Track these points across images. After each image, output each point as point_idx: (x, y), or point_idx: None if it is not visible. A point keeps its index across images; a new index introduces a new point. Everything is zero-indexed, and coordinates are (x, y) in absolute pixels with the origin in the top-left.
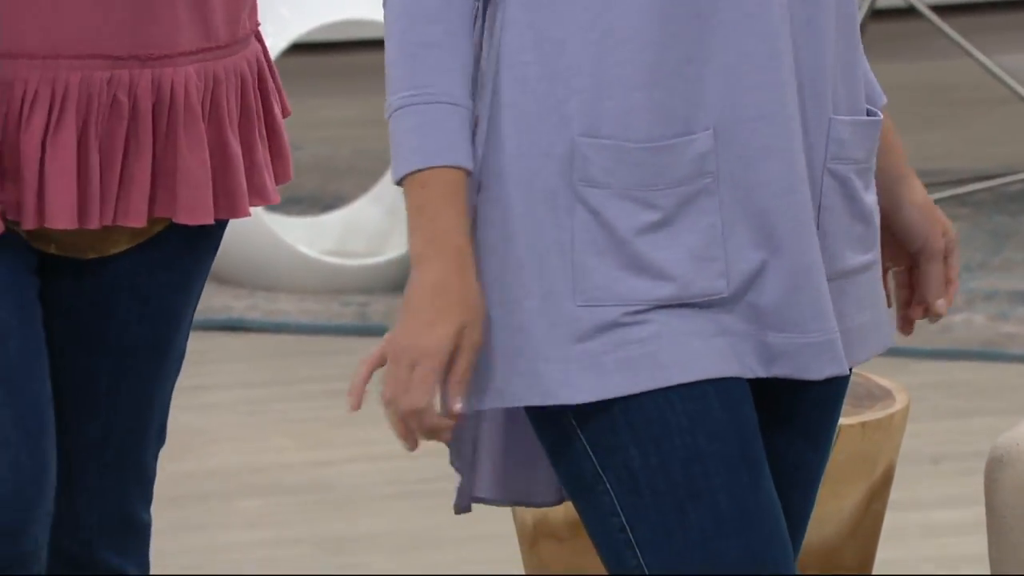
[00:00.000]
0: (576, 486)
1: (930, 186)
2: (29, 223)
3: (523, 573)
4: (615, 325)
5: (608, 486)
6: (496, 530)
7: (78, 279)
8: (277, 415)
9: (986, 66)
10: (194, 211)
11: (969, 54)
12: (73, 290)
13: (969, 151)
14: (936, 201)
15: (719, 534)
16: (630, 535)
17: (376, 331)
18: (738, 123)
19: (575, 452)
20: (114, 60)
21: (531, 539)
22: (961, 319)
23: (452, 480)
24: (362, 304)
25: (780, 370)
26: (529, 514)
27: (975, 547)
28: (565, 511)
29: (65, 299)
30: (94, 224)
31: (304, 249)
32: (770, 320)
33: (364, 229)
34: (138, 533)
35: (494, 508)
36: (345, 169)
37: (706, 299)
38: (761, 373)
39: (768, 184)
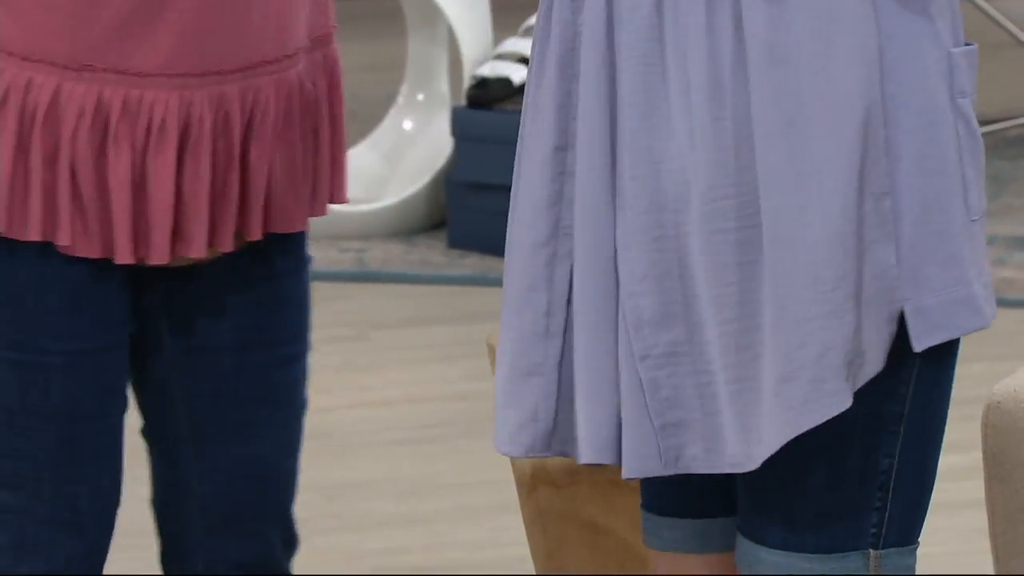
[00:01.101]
0: (866, 426)
1: None
2: (257, 233)
3: (521, 518)
4: (979, 242)
5: (903, 427)
6: (494, 476)
7: (226, 277)
8: None
9: (985, 11)
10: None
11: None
12: (230, 287)
13: None
14: None
15: (934, 479)
16: (893, 477)
17: (373, 277)
18: None
19: (895, 392)
20: (222, 75)
21: (529, 485)
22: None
23: (451, 426)
24: (360, 250)
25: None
26: (527, 461)
27: (972, 492)
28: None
29: (229, 297)
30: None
31: None
32: None
33: (362, 175)
34: (294, 545)
35: (492, 454)
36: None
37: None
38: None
39: None
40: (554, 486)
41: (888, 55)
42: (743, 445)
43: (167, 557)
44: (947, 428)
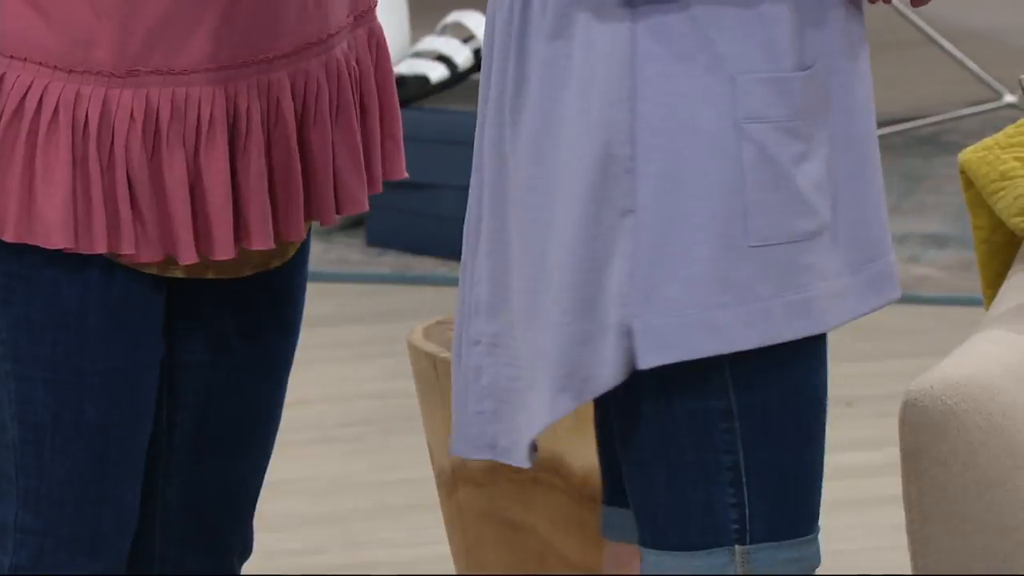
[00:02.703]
0: (689, 424)
1: None
2: (329, 218)
3: (440, 517)
4: (780, 264)
5: (736, 424)
6: (413, 475)
7: (238, 298)
8: None
9: (897, 8)
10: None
11: None
12: (241, 308)
13: (881, 94)
14: None
15: (818, 473)
16: (741, 473)
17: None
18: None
19: (710, 391)
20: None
21: (449, 484)
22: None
23: (369, 425)
24: None
25: (885, 298)
26: (448, 459)
27: (889, 488)
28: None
29: (234, 318)
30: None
31: None
32: (874, 248)
33: None
34: (245, 557)
35: (412, 453)
36: None
37: (821, 231)
38: (878, 305)
39: (857, 109)
40: (474, 484)
41: (643, 75)
42: (521, 444)
43: (129, 558)
44: (864, 425)
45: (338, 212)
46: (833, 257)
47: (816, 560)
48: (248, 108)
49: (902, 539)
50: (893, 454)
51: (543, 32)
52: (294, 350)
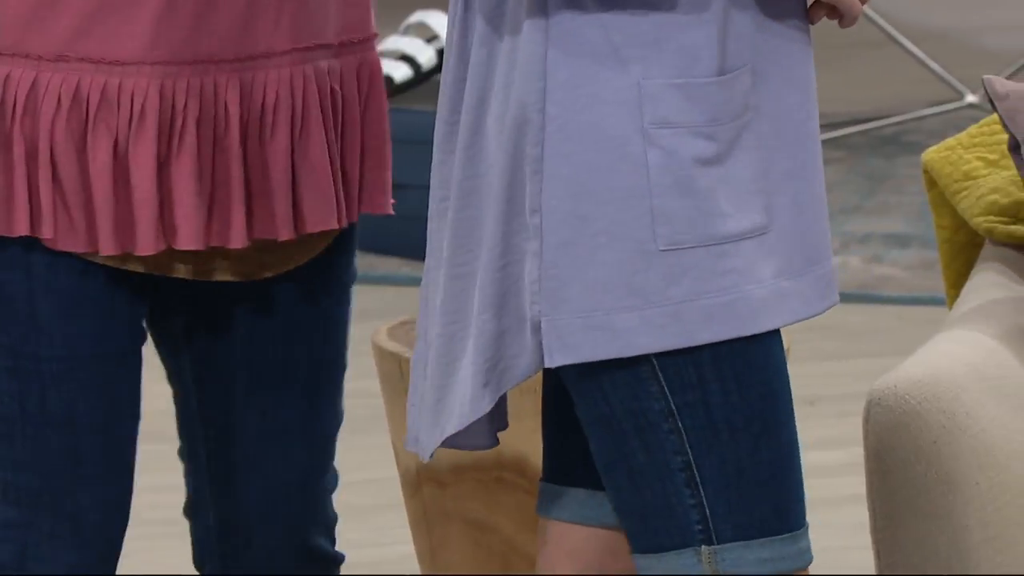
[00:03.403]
0: (633, 425)
1: None
2: (287, 233)
3: (404, 516)
4: (697, 268)
5: (680, 423)
6: (377, 475)
7: (250, 307)
8: (157, 362)
9: None
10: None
11: None
12: (249, 319)
13: (844, 94)
14: None
15: (787, 469)
16: (695, 472)
17: None
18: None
19: (645, 391)
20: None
21: (414, 484)
22: (836, 262)
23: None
24: None
25: (828, 302)
26: (413, 459)
27: (852, 488)
28: (449, 456)
29: (244, 331)
30: (343, 222)
31: None
32: (815, 252)
33: None
34: (332, 564)
35: (377, 453)
36: None
37: (759, 234)
38: (821, 309)
39: (794, 112)
40: (439, 484)
41: (554, 78)
42: (427, 436)
43: (195, 564)
44: (827, 424)
45: (300, 229)
46: (768, 260)
47: (799, 560)
48: (185, 107)
49: (865, 538)
50: (856, 453)
51: (477, 37)
52: (330, 356)
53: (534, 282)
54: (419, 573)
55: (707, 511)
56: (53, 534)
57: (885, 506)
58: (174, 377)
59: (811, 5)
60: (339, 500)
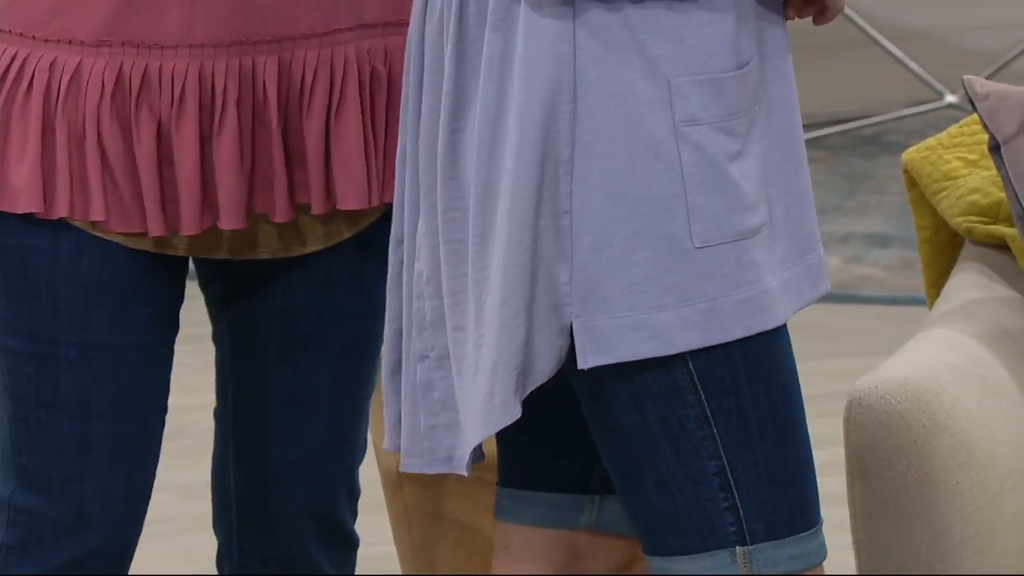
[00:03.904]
0: (666, 432)
1: None
2: (319, 207)
3: (385, 516)
4: (727, 263)
5: (715, 429)
6: (360, 475)
7: (290, 279)
8: None
9: None
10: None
11: None
12: (287, 291)
13: (823, 95)
14: None
15: (808, 466)
16: (729, 476)
17: None
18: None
19: (681, 398)
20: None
21: (395, 484)
22: (822, 251)
23: None
24: None
25: (818, 292)
26: (394, 459)
27: (833, 487)
28: None
29: (280, 302)
30: (375, 201)
31: None
32: (806, 242)
33: None
34: (348, 545)
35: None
36: None
37: (762, 226)
38: (813, 297)
39: (785, 104)
40: (420, 484)
41: (585, 77)
42: (465, 452)
43: (214, 529)
44: (807, 424)
45: (336, 204)
46: (773, 252)
47: (820, 554)
48: (225, 88)
49: (846, 537)
50: (837, 453)
51: (484, 28)
52: (367, 338)
53: (565, 283)
54: (400, 573)
55: (741, 513)
56: (57, 521)
57: (866, 505)
58: (216, 338)
59: None
60: None
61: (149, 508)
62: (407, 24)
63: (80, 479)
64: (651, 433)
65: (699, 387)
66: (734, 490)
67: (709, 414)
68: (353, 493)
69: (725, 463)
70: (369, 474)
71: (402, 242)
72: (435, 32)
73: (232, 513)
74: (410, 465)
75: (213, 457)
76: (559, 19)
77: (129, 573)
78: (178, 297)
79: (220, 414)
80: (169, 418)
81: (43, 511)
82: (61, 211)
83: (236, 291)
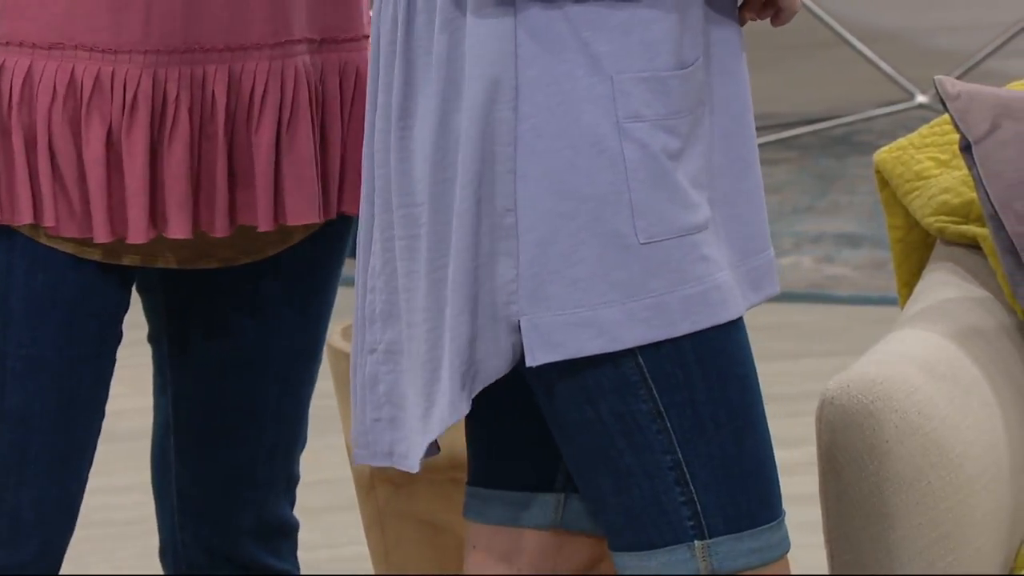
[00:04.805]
0: (620, 427)
1: (756, 130)
2: (266, 224)
3: (356, 517)
4: (673, 259)
5: (668, 423)
6: (333, 476)
7: (238, 287)
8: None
9: (810, 9)
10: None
11: None
12: (235, 299)
13: (794, 95)
14: (761, 145)
15: (767, 458)
16: (684, 470)
17: None
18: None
19: (632, 393)
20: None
21: (368, 484)
22: (788, 262)
23: None
24: None
25: (764, 294)
26: None
27: (805, 487)
28: None
29: (226, 311)
30: (324, 216)
31: None
32: (750, 244)
33: None
34: (290, 535)
35: (330, 454)
36: None
37: (707, 223)
38: (755, 301)
39: (734, 106)
40: (392, 485)
41: (525, 75)
42: (414, 442)
43: (160, 535)
44: (779, 424)
45: (281, 221)
46: (720, 249)
47: (783, 547)
48: (177, 96)
49: (818, 537)
50: (809, 452)
51: (432, 31)
52: (310, 346)
53: (510, 282)
54: (373, 573)
55: (698, 507)
56: None
57: (838, 505)
58: (154, 342)
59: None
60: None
61: (121, 509)
62: (359, 40)
63: (16, 489)
64: (605, 428)
65: (650, 382)
66: (690, 484)
67: (662, 408)
68: (292, 483)
69: (680, 457)
70: (342, 475)
71: (364, 241)
72: (388, 35)
73: (174, 511)
74: (358, 456)
75: (153, 454)
76: (501, 18)
77: (103, 574)
78: (124, 307)
79: (160, 413)
80: (136, 420)
81: None
82: (24, 218)
83: (181, 299)
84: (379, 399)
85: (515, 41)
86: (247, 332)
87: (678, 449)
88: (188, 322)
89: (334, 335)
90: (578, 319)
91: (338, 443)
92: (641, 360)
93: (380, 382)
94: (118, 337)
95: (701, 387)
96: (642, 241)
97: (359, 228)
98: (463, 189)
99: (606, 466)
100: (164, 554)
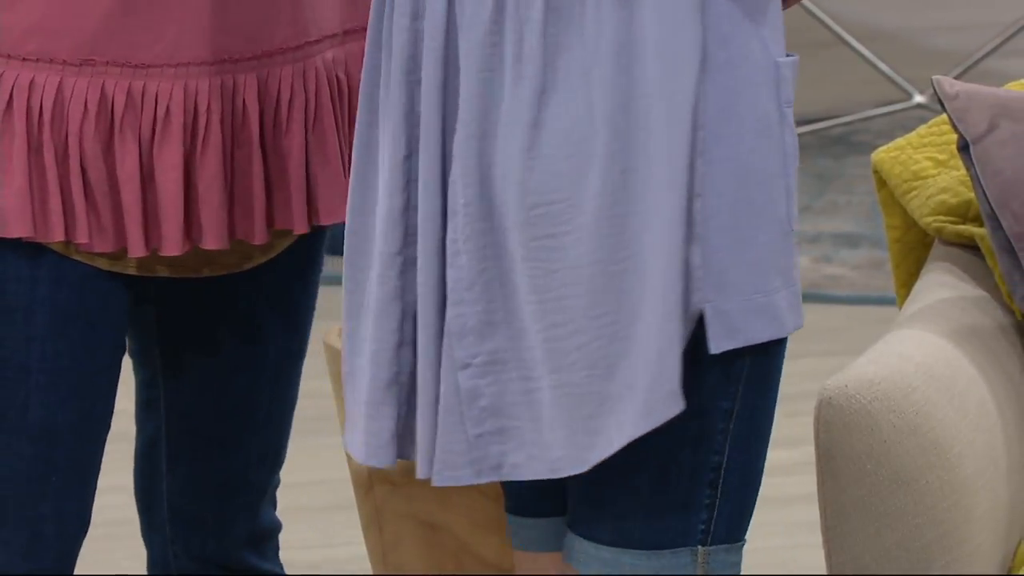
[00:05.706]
0: (699, 422)
1: None
2: (301, 227)
3: (354, 517)
4: (795, 253)
5: (731, 425)
6: (327, 476)
7: (232, 293)
8: None
9: (808, 9)
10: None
11: None
12: (229, 305)
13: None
14: None
15: (761, 476)
16: (721, 475)
17: None
18: None
19: (724, 389)
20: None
21: (366, 484)
22: None
23: None
24: None
25: None
26: None
27: (803, 487)
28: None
29: (221, 317)
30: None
31: None
32: None
33: None
34: (273, 536)
35: (327, 454)
36: None
37: None
38: None
39: None
40: (391, 484)
41: (715, 60)
42: (570, 448)
43: (148, 541)
44: (777, 423)
45: (315, 221)
46: None
47: (739, 568)
48: (208, 107)
49: (816, 537)
50: (807, 452)
51: (585, 22)
52: (297, 351)
53: (697, 268)
54: (371, 574)
55: (715, 512)
56: (8, 541)
57: (836, 505)
58: (141, 357)
59: None
60: (290, 501)
61: (111, 510)
62: (361, 30)
63: (38, 501)
64: (686, 425)
65: (744, 381)
66: (719, 488)
67: (736, 409)
68: (274, 487)
69: (724, 460)
70: (340, 475)
71: (399, 253)
72: (483, 32)
73: (164, 520)
74: (444, 479)
75: (137, 463)
76: (686, 3)
77: (103, 574)
78: (128, 317)
79: (147, 428)
80: (127, 420)
81: None
82: (56, 236)
83: (174, 308)
84: (481, 414)
85: (703, 24)
86: (239, 340)
87: (727, 452)
88: (180, 334)
89: (331, 335)
90: (755, 305)
91: (336, 443)
92: (748, 358)
93: (481, 396)
94: (125, 346)
95: (769, 395)
96: (792, 228)
97: (384, 246)
98: (653, 178)
99: (658, 460)
100: (153, 567)
